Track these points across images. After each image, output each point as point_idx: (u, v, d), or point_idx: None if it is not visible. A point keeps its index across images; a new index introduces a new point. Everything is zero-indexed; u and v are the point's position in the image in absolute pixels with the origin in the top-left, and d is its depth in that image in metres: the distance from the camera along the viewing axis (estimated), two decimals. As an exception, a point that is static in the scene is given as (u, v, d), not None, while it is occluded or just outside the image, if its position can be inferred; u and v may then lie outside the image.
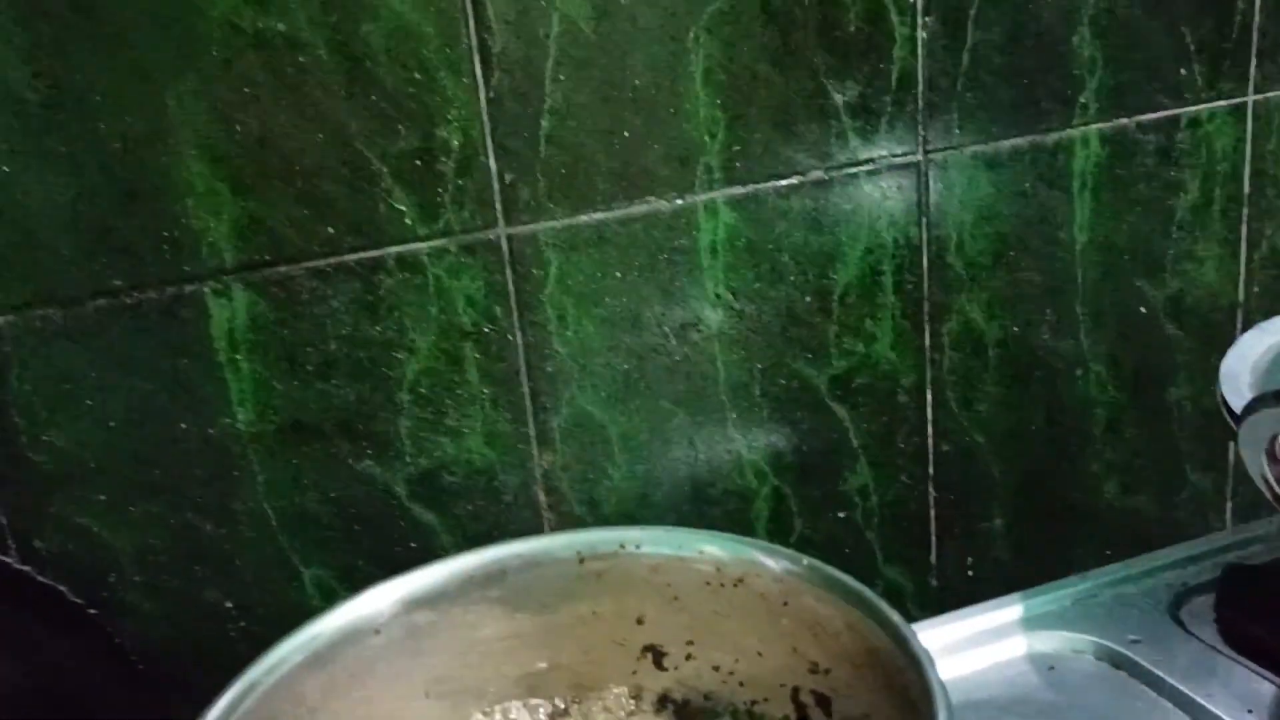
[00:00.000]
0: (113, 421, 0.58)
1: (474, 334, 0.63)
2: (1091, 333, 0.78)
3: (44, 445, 0.57)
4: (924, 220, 0.72)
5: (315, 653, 0.44)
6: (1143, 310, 0.79)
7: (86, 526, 0.58)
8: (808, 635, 0.45)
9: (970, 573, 0.80)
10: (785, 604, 0.45)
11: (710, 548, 0.47)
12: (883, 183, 0.70)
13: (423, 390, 0.63)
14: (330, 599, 0.64)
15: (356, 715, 0.45)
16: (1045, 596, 0.65)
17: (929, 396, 0.76)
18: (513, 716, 0.49)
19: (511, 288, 0.64)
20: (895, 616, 0.40)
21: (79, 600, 0.57)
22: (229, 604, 0.62)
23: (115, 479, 0.58)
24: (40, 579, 0.57)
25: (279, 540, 0.62)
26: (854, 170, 0.69)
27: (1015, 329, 0.76)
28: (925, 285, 0.73)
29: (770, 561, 0.46)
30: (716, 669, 0.48)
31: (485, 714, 0.49)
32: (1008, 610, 0.65)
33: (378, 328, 0.61)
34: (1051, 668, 0.61)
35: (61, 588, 0.57)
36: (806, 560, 0.45)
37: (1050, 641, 0.63)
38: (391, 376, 0.62)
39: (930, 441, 0.77)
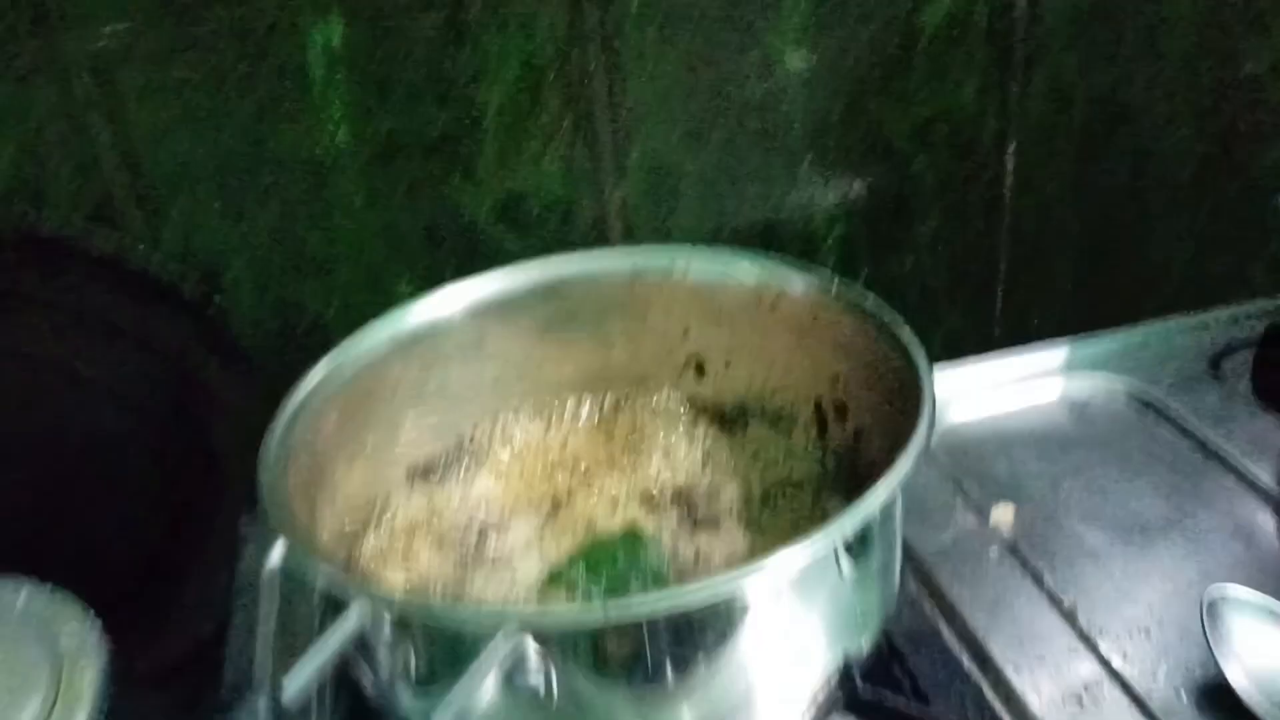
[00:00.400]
0: (225, 135, 0.63)
1: (556, 65, 0.66)
2: (1185, 92, 0.76)
3: (167, 154, 0.62)
4: (1022, -37, 0.70)
5: (397, 339, 0.50)
6: (1247, 68, 0.77)
7: (203, 229, 0.65)
8: (831, 350, 0.49)
9: (1035, 323, 0.82)
10: (815, 319, 0.49)
11: (749, 265, 0.50)
12: (979, -80, 0.68)
13: (506, 119, 0.67)
14: (420, 309, 0.70)
15: (432, 396, 0.51)
16: (1092, 342, 0.68)
17: (1011, 147, 0.76)
18: (577, 409, 0.55)
19: (594, 18, 0.65)
20: (905, 331, 0.44)
21: (199, 295, 0.65)
22: (330, 309, 0.69)
23: (229, 187, 0.64)
24: (165, 274, 0.64)
25: (374, 254, 0.68)
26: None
27: (1107, 83, 0.75)
28: (1018, 32, 0.72)
29: (803, 280, 0.49)
30: (751, 379, 0.53)
31: (551, 404, 0.55)
32: (1053, 354, 0.67)
33: (462, 55, 0.64)
34: (1085, 407, 0.65)
35: (183, 283, 0.64)
36: (836, 279, 0.48)
37: (1087, 383, 0.66)
38: (476, 104, 0.66)
39: (1008, 193, 0.78)
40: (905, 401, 0.42)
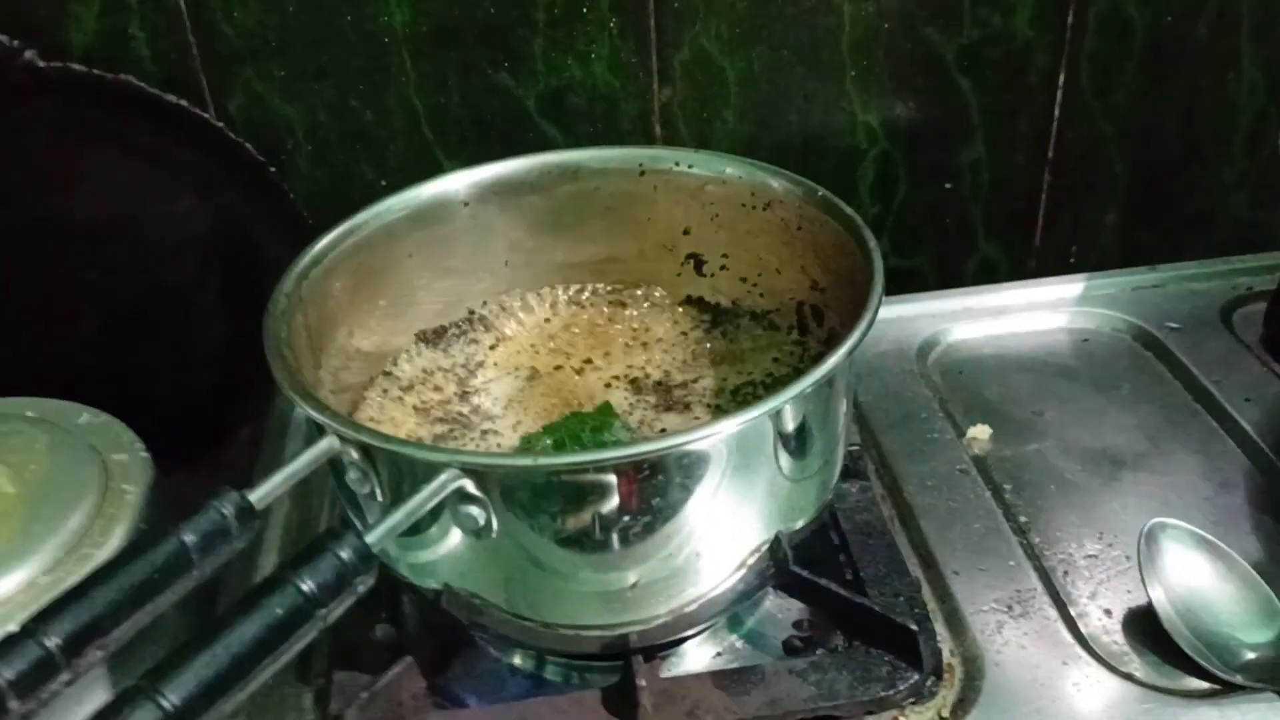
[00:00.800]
0: (290, 6, 0.67)
1: (607, -40, 0.68)
2: (1254, 34, 0.74)
3: (234, 22, 0.67)
4: (1087, -111, 0.69)
5: (414, 210, 0.54)
6: (1322, 14, 0.74)
7: (268, 97, 0.69)
8: (813, 257, 0.51)
9: (1072, 260, 0.82)
10: (799, 228, 0.52)
11: (743, 173, 0.53)
12: None
13: (557, 11, 0.69)
14: (465, 191, 0.74)
15: (444, 269, 0.55)
16: (1106, 279, 0.68)
17: (1061, 79, 0.76)
18: (580, 295, 0.59)
19: (649, -82, 0.67)
20: (871, 242, 0.46)
21: (261, 158, 0.69)
22: (382, 182, 0.73)
23: (291, 58, 0.68)
24: (231, 135, 0.69)
25: (424, 134, 0.72)
26: None
27: (1169, 19, 0.74)
28: (1078, -43, 0.71)
29: (792, 189, 0.52)
30: (743, 280, 0.56)
31: (556, 289, 0.59)
32: (1067, 287, 0.68)
33: (518, -56, 0.67)
34: (1086, 340, 0.66)
35: (248, 145, 0.69)
36: (820, 191, 0.50)
37: (1094, 319, 0.67)
38: (528, -5, 0.68)
39: (1055, 126, 0.77)
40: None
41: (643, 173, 0.55)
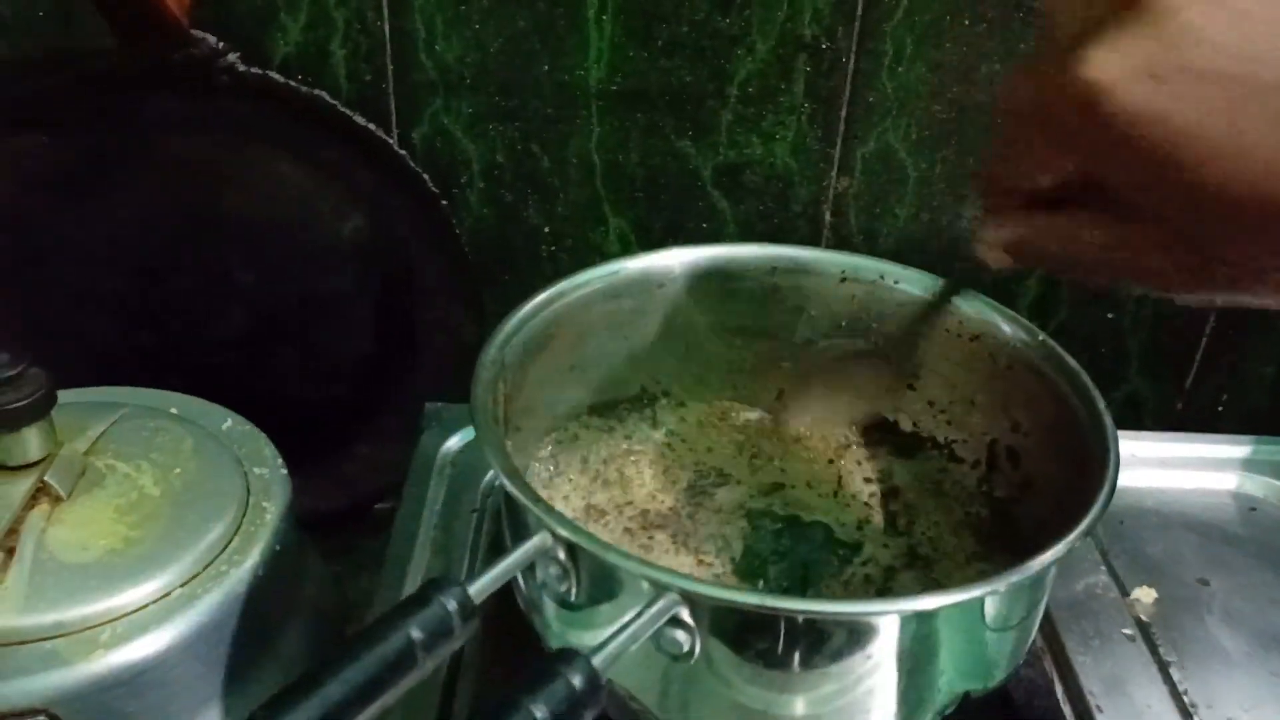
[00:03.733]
0: (491, 47, 0.67)
1: (811, 47, 0.67)
2: None
3: (435, 55, 0.67)
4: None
5: (612, 285, 0.53)
6: None
7: (452, 131, 0.69)
8: (1020, 398, 0.50)
9: (1220, 408, 0.80)
10: (1009, 368, 0.50)
11: (958, 300, 0.51)
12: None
13: (751, 90, 0.68)
14: (626, 248, 0.74)
15: (629, 341, 0.54)
16: (1277, 446, 0.66)
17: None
18: (755, 397, 0.57)
19: (860, 10, 0.66)
20: (1101, 405, 0.44)
21: (435, 190, 0.69)
22: (546, 229, 0.73)
23: (482, 97, 0.68)
24: (411, 164, 0.68)
25: (597, 187, 0.71)
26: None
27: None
28: None
29: (1008, 327, 0.50)
30: (932, 404, 0.55)
31: (727, 388, 0.57)
32: (1234, 447, 0.66)
33: (727, 20, 0.66)
34: (1253, 509, 0.64)
35: (425, 175, 0.69)
36: (1041, 336, 0.49)
37: (1262, 487, 0.65)
38: (726, 70, 0.68)
39: (1228, 270, 0.75)
40: (1082, 469, 0.43)
41: (844, 279, 0.54)
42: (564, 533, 0.37)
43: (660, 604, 0.35)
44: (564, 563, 0.38)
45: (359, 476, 0.77)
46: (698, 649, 0.37)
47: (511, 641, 0.46)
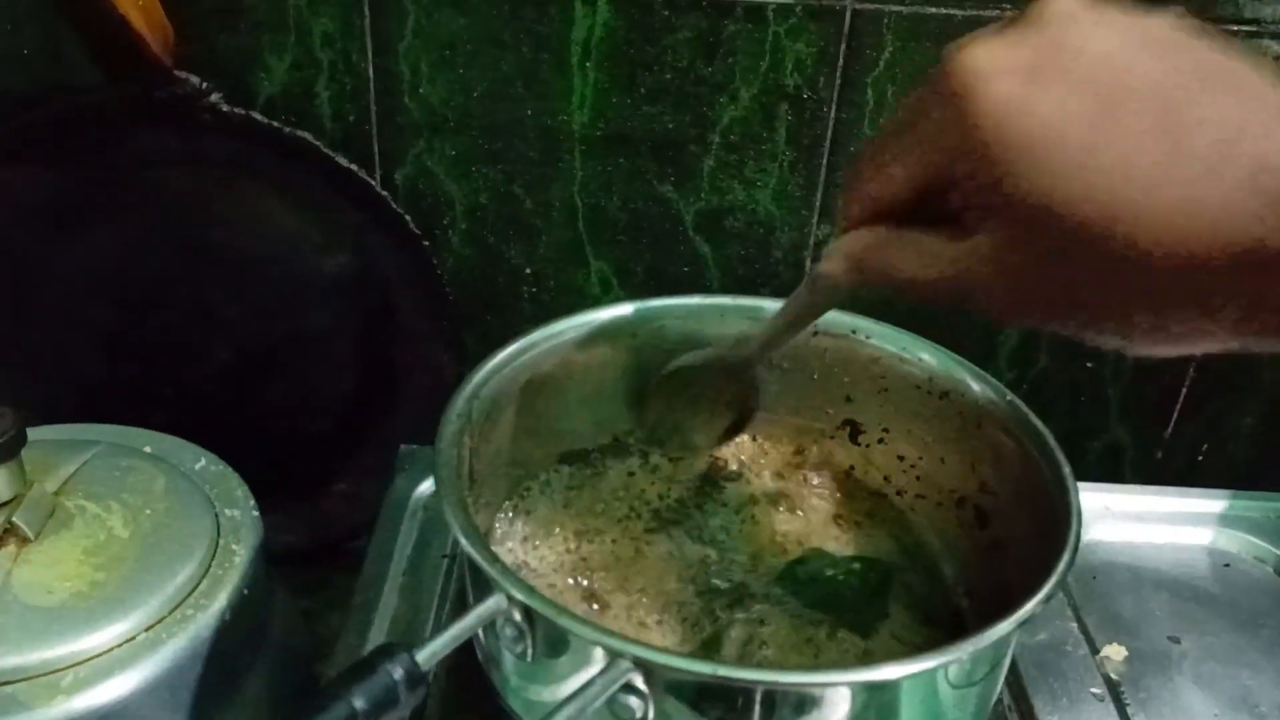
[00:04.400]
0: (476, 92, 0.67)
1: (793, 97, 0.67)
2: None
3: (419, 97, 0.67)
4: None
5: (588, 334, 0.53)
6: None
7: (435, 172, 0.69)
8: (988, 458, 0.50)
9: (1200, 458, 0.80)
10: (979, 426, 0.50)
11: (928, 357, 0.52)
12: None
13: (733, 137, 0.69)
14: (607, 290, 0.74)
15: (601, 394, 0.54)
16: (1252, 502, 0.66)
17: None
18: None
19: (841, 61, 0.67)
20: (1066, 470, 0.45)
21: (418, 230, 0.69)
22: (528, 270, 0.73)
23: (465, 139, 0.68)
24: (392, 205, 0.69)
25: (580, 230, 0.72)
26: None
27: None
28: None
29: (977, 386, 0.50)
30: (901, 459, 0.55)
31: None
32: (1209, 502, 0.66)
33: (710, 68, 0.67)
34: (1227, 565, 0.63)
35: (407, 216, 0.69)
36: (1009, 396, 0.49)
37: (1237, 543, 0.64)
38: (709, 117, 0.68)
39: (1209, 322, 0.75)
40: (1047, 532, 0.43)
41: (816, 333, 0.54)
42: (519, 595, 0.37)
43: (613, 671, 0.35)
44: (520, 624, 0.38)
45: (337, 513, 0.77)
46: (651, 715, 0.37)
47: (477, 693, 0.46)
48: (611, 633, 0.36)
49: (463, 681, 0.46)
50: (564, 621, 0.36)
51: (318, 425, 0.76)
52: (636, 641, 0.35)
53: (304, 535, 0.75)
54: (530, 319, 0.54)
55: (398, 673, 0.33)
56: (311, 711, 0.31)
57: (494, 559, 0.38)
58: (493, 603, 0.37)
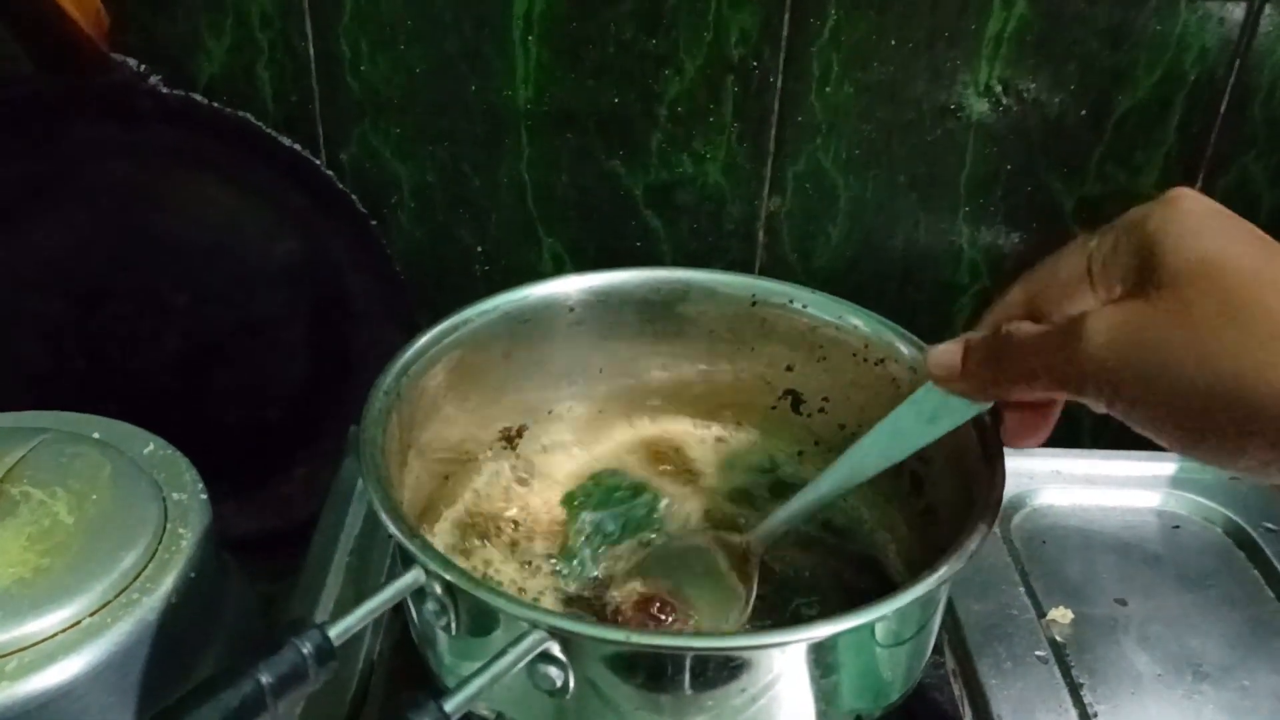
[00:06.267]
0: (418, 69, 0.67)
1: (738, 69, 0.67)
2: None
3: (361, 76, 0.67)
4: (1237, 63, 0.67)
5: (521, 309, 0.53)
6: None
7: (381, 152, 0.69)
8: (923, 424, 0.50)
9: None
10: (913, 388, 0.50)
11: (861, 323, 0.51)
12: (1202, 11, 0.65)
13: (680, 110, 0.68)
14: (560, 268, 0.74)
15: (537, 371, 0.54)
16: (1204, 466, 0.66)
17: (1179, 243, 0.74)
18: (672, 425, 0.58)
19: (786, 31, 0.66)
20: (993, 433, 0.45)
21: (365, 210, 0.69)
22: (479, 248, 0.73)
23: (410, 118, 0.68)
24: (338, 185, 0.68)
25: (529, 208, 0.71)
26: (1177, -9, 0.64)
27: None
28: (1213, 134, 0.69)
29: (908, 350, 0.50)
30: (842, 427, 0.55)
31: (643, 404, 0.57)
32: (1159, 464, 0.66)
33: (654, 41, 0.66)
34: (1176, 527, 0.63)
35: (353, 196, 0.68)
36: (940, 361, 0.49)
37: (1186, 504, 0.64)
38: (655, 91, 0.68)
39: (1164, 287, 0.75)
40: (976, 498, 0.43)
41: (754, 303, 0.54)
42: (435, 568, 0.37)
43: (528, 640, 0.35)
44: (441, 598, 0.38)
45: (296, 498, 0.76)
46: (571, 684, 0.37)
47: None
48: (525, 603, 0.36)
49: (407, 660, 0.46)
50: (479, 593, 0.36)
51: (274, 412, 0.76)
52: (550, 611, 0.35)
53: (266, 521, 0.75)
54: (483, 298, 0.54)
55: (306, 648, 0.33)
56: (218, 688, 0.31)
57: (412, 533, 0.38)
58: (410, 577, 0.37)
